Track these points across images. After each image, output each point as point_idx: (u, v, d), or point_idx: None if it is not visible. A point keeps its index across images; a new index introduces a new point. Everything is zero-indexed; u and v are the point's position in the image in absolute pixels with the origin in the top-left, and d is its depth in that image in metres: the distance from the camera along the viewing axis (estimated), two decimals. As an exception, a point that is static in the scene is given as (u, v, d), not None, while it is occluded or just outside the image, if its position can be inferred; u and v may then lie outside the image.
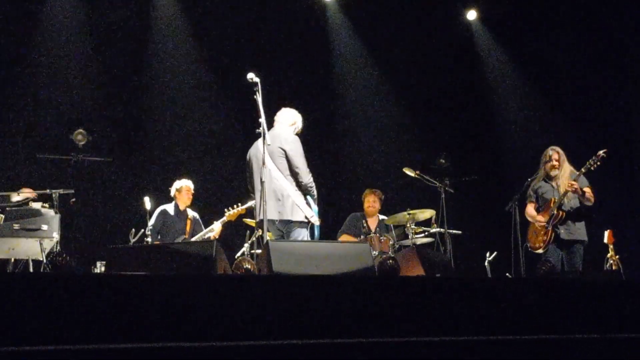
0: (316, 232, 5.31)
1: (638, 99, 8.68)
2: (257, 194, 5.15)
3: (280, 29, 8.85)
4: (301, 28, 9.02)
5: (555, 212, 5.99)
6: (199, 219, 7.16)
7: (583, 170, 5.95)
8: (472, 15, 9.50)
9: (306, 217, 5.12)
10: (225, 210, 6.83)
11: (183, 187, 7.07)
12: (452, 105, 9.48)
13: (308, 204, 5.20)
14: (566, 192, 5.94)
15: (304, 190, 5.20)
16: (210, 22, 8.73)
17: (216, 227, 6.82)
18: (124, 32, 8.35)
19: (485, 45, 9.65)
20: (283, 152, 5.16)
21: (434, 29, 9.24)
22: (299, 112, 5.59)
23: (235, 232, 7.30)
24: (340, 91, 9.55)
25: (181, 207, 7.08)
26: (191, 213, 7.13)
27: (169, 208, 7.05)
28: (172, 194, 7.12)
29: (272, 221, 5.08)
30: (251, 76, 4.98)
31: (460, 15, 9.50)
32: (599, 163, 5.87)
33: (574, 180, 5.92)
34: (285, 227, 5.16)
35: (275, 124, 5.44)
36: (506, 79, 9.61)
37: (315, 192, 5.28)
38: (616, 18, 8.75)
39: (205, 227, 6.97)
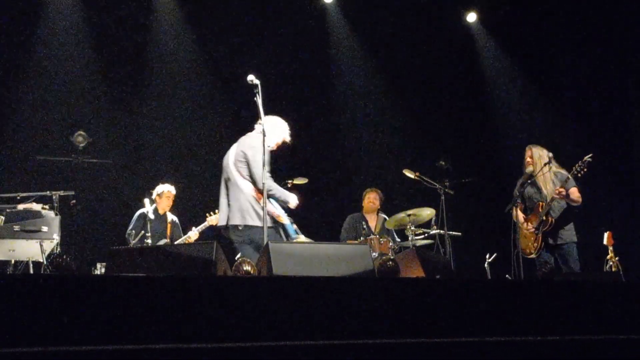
0: (290, 231, 5.24)
1: (638, 99, 8.69)
2: (222, 200, 5.24)
3: (280, 30, 8.85)
4: (301, 29, 9.02)
5: (544, 218, 5.95)
6: (178, 223, 7.18)
7: (570, 175, 5.88)
8: (471, 17, 9.52)
9: (273, 220, 5.12)
10: (207, 215, 6.83)
11: (164, 192, 7.09)
12: (452, 107, 9.50)
13: (272, 204, 5.17)
14: (553, 199, 5.89)
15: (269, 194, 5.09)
16: (210, 24, 8.74)
17: (193, 235, 6.86)
18: (124, 34, 8.37)
19: (485, 47, 9.67)
20: (244, 157, 5.18)
21: (434, 31, 9.26)
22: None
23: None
24: (339, 93, 9.56)
25: (160, 211, 7.10)
26: (170, 217, 7.14)
27: (148, 211, 7.04)
28: (152, 197, 7.11)
29: (235, 226, 5.10)
30: (251, 78, 4.95)
31: (460, 18, 9.52)
32: (585, 169, 5.79)
33: (561, 186, 5.87)
34: (248, 233, 5.10)
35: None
36: (506, 80, 9.62)
37: (278, 195, 5.21)
38: (615, 19, 8.76)
39: (184, 232, 7.00)
